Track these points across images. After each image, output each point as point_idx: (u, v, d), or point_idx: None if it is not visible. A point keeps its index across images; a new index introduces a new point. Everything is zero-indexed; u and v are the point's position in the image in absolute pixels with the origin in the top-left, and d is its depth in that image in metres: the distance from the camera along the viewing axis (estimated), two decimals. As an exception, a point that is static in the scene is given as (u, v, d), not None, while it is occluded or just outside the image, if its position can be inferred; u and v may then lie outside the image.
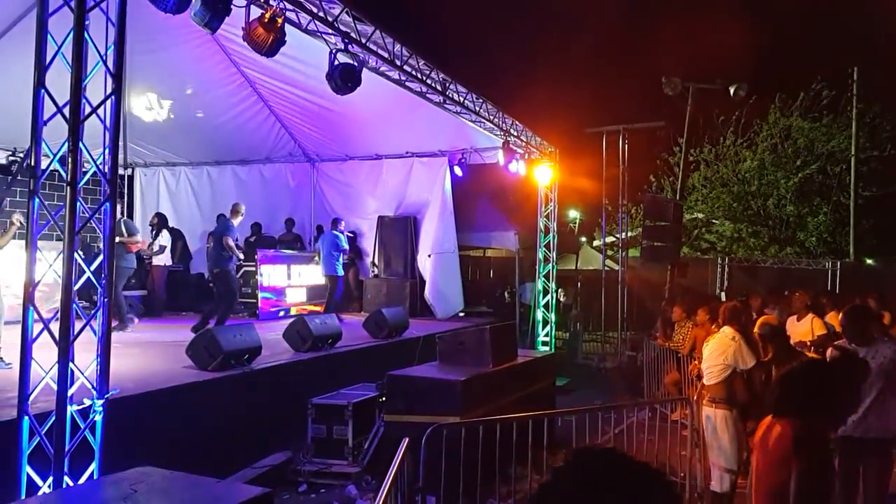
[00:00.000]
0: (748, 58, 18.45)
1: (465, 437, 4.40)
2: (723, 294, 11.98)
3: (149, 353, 7.52)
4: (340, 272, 11.04)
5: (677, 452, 5.70)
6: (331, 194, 13.29)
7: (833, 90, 18.70)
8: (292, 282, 11.71)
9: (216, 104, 11.34)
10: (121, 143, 12.75)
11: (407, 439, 3.88)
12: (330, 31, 5.89)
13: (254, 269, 11.37)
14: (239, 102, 11.43)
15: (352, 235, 12.57)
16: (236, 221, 9.59)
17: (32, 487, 3.58)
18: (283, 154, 13.08)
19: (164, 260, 11.47)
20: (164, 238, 11.56)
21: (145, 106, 11.09)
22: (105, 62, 3.87)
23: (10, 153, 11.32)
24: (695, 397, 5.98)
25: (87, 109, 3.84)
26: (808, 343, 7.70)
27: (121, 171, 13.79)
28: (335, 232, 11.08)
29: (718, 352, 5.17)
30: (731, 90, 13.90)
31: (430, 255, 11.75)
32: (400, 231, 12.25)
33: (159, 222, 11.85)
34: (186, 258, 12.91)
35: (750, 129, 19.89)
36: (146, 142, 12.79)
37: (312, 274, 11.95)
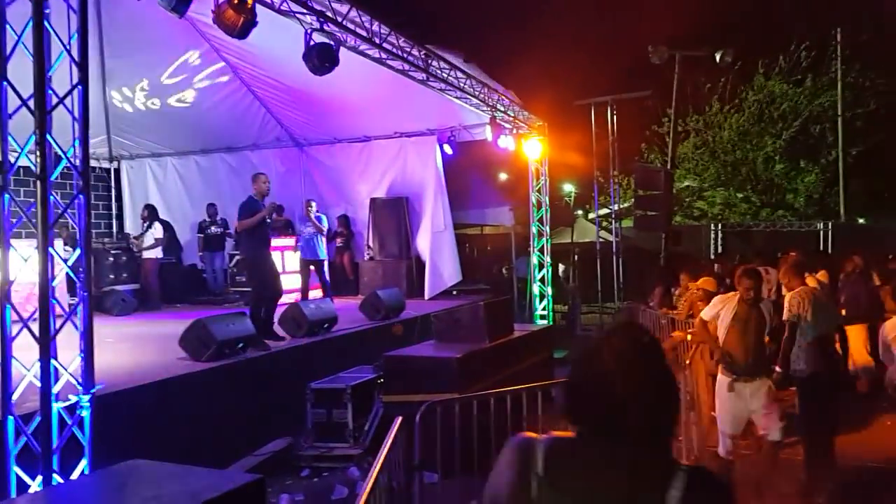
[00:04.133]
0: (733, 23, 18.26)
1: (459, 413, 4.37)
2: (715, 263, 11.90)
3: (143, 346, 7.48)
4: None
5: (681, 417, 5.71)
6: (321, 178, 13.18)
7: (813, 51, 18.57)
8: (287, 268, 11.62)
9: (199, 91, 11.20)
10: (104, 137, 12.67)
11: (400, 418, 3.85)
12: (304, 10, 5.76)
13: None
14: (222, 88, 11.28)
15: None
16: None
17: (23, 487, 3.54)
18: (270, 139, 12.95)
19: (155, 252, 11.36)
20: (158, 230, 11.47)
21: (127, 97, 10.96)
22: (69, 51, 3.76)
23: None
24: (688, 361, 5.97)
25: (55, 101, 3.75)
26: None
27: (106, 165, 13.80)
28: (319, 214, 10.94)
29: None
30: (718, 56, 13.75)
31: (439, 232, 11.69)
32: (393, 212, 12.17)
33: (150, 214, 11.75)
34: (177, 249, 12.83)
35: (735, 95, 19.78)
36: (131, 133, 12.68)
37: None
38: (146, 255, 11.35)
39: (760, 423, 4.90)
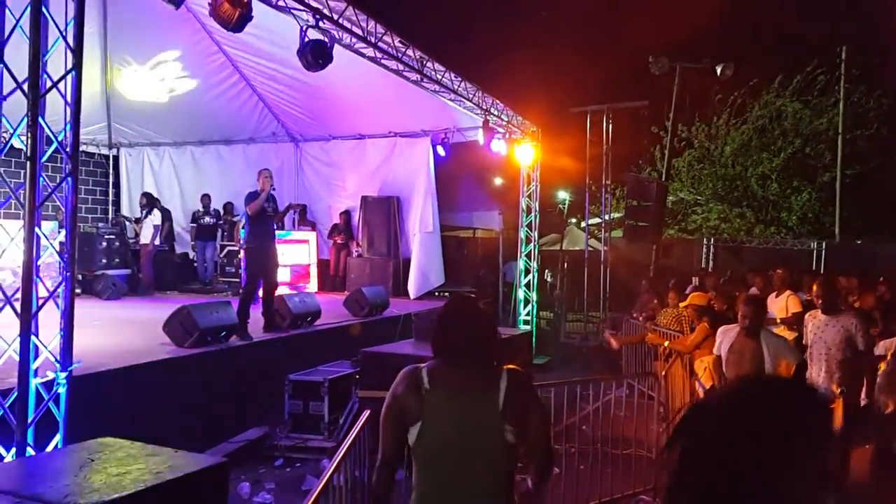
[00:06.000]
0: (736, 35, 18.37)
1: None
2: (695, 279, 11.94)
3: (129, 330, 7.57)
4: None
5: (653, 428, 5.80)
6: (314, 174, 13.28)
7: (825, 72, 18.64)
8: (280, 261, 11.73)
9: (200, 84, 11.31)
10: (104, 124, 12.74)
11: (368, 411, 3.94)
12: (300, 6, 5.86)
13: (236, 248, 11.39)
14: (222, 81, 11.40)
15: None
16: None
17: (-3, 457, 3.65)
18: (266, 134, 13.04)
19: (151, 239, 11.50)
20: (156, 217, 11.62)
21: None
22: (64, 37, 3.87)
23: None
24: (663, 373, 6.09)
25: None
26: (779, 320, 7.83)
27: (105, 152, 13.91)
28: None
29: None
30: (718, 70, 13.89)
31: (427, 233, 11.77)
32: (383, 211, 12.26)
33: (148, 202, 11.89)
34: (172, 238, 12.96)
35: (743, 109, 19.85)
36: (131, 122, 12.78)
37: (296, 253, 11.99)
38: (142, 241, 11.50)
39: None
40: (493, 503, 2.19)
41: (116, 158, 14.19)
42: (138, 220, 11.89)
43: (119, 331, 7.50)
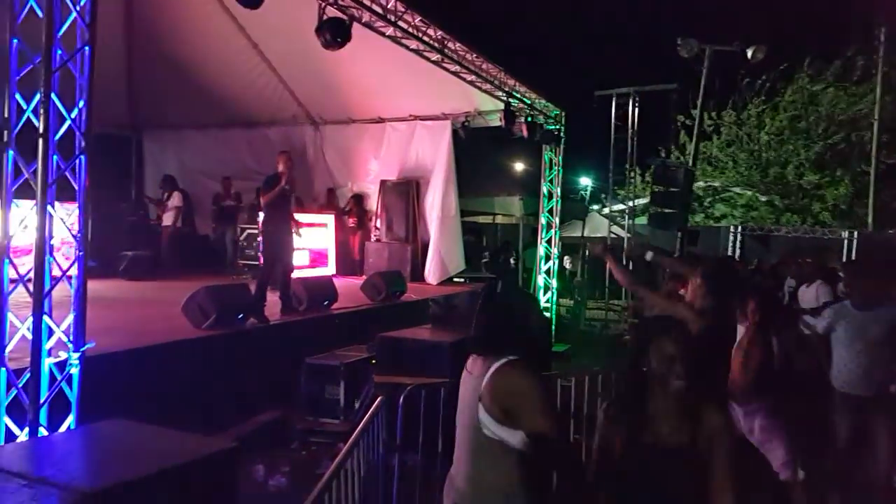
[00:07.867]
0: (766, 17, 17.87)
1: (444, 398, 4.38)
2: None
3: (148, 310, 7.60)
4: None
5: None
6: (334, 157, 13.20)
7: (864, 57, 18.06)
8: (295, 244, 11.67)
9: (221, 66, 11.26)
10: (127, 106, 12.72)
11: (381, 398, 3.89)
12: (319, -16, 5.76)
13: (256, 231, 11.36)
14: (243, 64, 11.33)
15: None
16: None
17: (11, 437, 3.64)
18: (286, 116, 12.98)
19: (173, 220, 11.55)
20: (177, 199, 11.65)
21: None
22: (79, 13, 3.81)
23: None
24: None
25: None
26: (809, 311, 7.58)
27: (129, 134, 13.95)
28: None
29: None
30: (749, 53, 13.49)
31: (447, 217, 11.68)
32: (402, 195, 12.15)
33: (168, 184, 11.91)
34: (192, 219, 13.00)
35: (774, 93, 19.36)
36: (153, 104, 12.78)
37: (314, 236, 11.92)
38: (164, 222, 11.56)
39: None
40: (468, 471, 2.44)
41: (140, 141, 14.23)
42: (160, 202, 11.94)
43: (138, 311, 7.53)
